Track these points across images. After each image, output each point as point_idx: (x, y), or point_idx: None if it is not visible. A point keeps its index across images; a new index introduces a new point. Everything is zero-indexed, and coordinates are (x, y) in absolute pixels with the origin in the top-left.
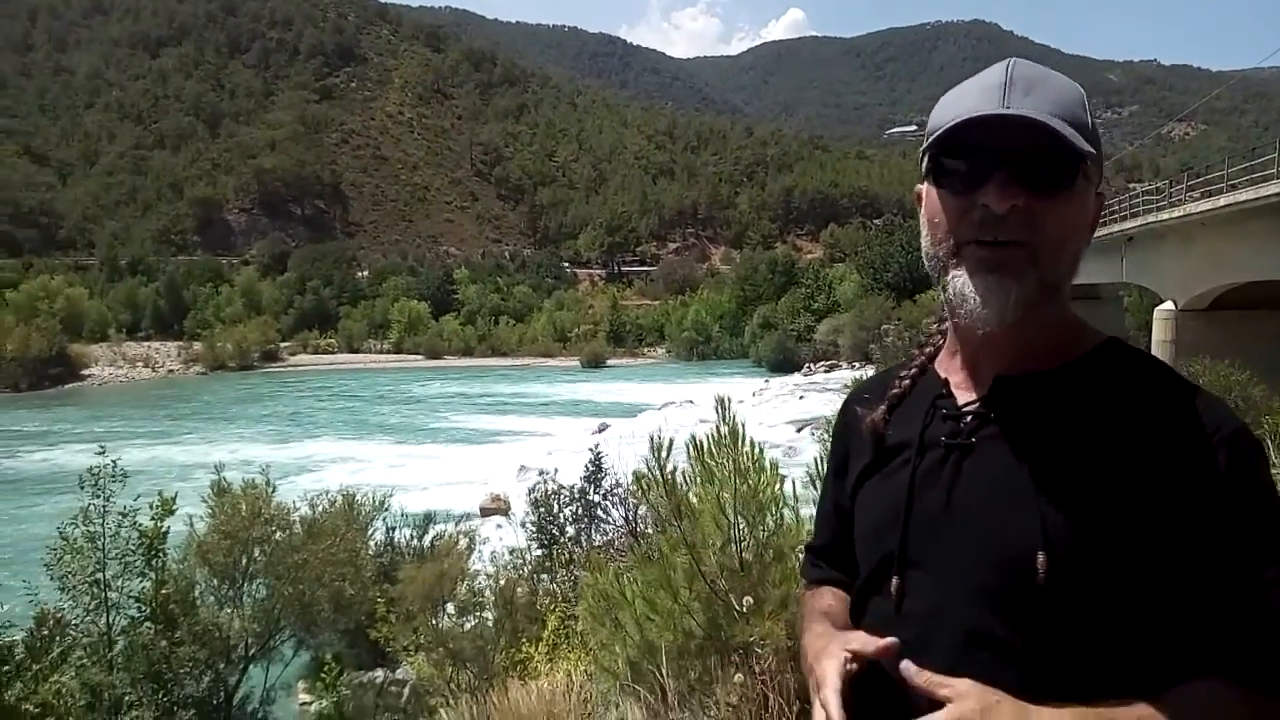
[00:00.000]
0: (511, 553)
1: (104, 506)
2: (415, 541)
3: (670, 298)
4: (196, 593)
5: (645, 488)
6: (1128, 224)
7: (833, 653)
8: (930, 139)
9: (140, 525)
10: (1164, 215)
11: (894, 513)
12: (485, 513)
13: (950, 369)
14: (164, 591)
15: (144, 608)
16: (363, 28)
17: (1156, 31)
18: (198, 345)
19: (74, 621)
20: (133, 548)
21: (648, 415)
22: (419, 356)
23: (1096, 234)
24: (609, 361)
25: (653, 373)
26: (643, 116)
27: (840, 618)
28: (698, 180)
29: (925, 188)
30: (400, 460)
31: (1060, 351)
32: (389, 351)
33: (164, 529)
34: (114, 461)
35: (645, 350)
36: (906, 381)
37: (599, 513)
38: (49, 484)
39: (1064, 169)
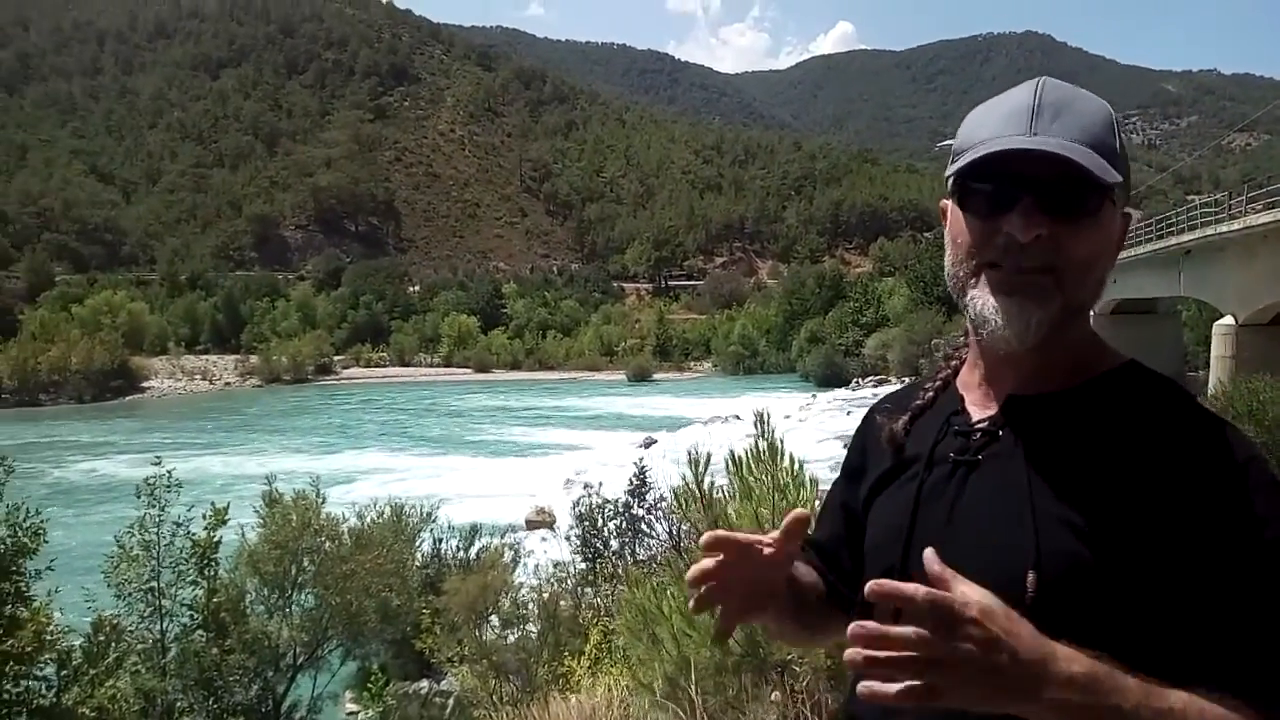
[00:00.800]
0: (556, 566)
1: (159, 516)
2: (461, 553)
3: (717, 312)
4: (247, 601)
5: (683, 502)
6: (1186, 237)
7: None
8: (957, 163)
9: (193, 535)
10: (1224, 227)
11: (899, 526)
12: (530, 525)
13: (968, 385)
14: (215, 600)
15: (196, 615)
16: (416, 48)
17: (1217, 39)
18: (254, 359)
19: (129, 628)
20: (186, 556)
21: (693, 430)
22: (468, 370)
23: (1153, 247)
24: (655, 375)
25: (699, 387)
26: (690, 132)
27: (808, 578)
28: (745, 194)
29: (950, 205)
30: (447, 472)
31: (1078, 371)
32: (439, 365)
33: (216, 538)
34: (169, 472)
35: (691, 364)
36: (929, 394)
37: (643, 527)
38: (107, 493)
39: (1090, 198)
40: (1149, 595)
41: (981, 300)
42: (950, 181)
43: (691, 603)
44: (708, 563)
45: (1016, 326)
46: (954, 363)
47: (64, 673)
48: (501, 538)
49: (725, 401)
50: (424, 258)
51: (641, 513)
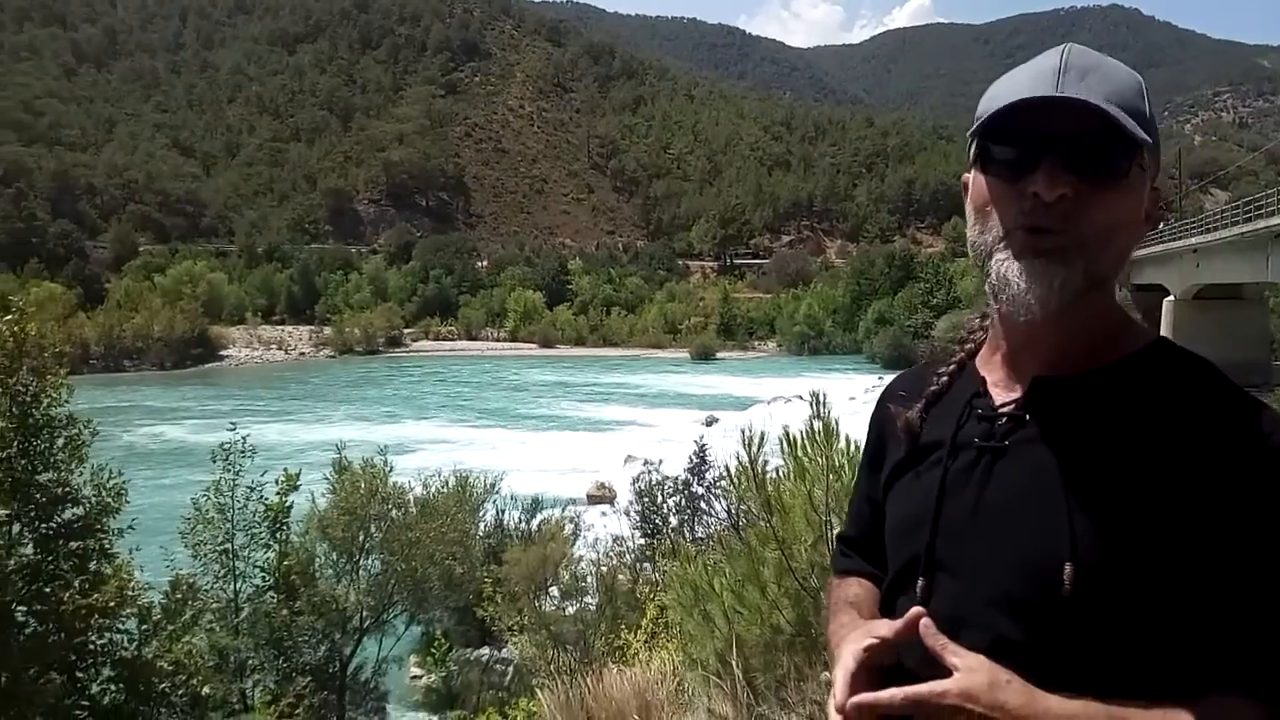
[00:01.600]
0: (615, 540)
1: (233, 480)
2: (523, 525)
3: (783, 291)
4: (316, 565)
5: (737, 481)
6: (1276, 220)
7: (853, 639)
8: (978, 124)
9: (266, 499)
10: None
11: (923, 513)
12: (591, 500)
13: (990, 367)
14: (286, 563)
15: (268, 577)
16: (487, 23)
17: None
18: (327, 330)
19: (204, 587)
20: (259, 520)
21: (756, 409)
22: (533, 345)
23: (1240, 230)
24: (719, 354)
25: (763, 366)
26: (759, 107)
27: (868, 608)
28: (814, 172)
29: (972, 175)
30: (510, 445)
31: (1104, 351)
32: (504, 339)
33: (288, 503)
34: (244, 438)
35: (755, 344)
36: (945, 379)
37: (702, 505)
38: (185, 457)
39: (1118, 157)
40: (1183, 587)
41: (1005, 264)
42: (971, 147)
43: None
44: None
45: (1039, 290)
46: (968, 345)
47: (144, 627)
48: (562, 511)
49: (789, 381)
50: (492, 233)
51: (701, 491)
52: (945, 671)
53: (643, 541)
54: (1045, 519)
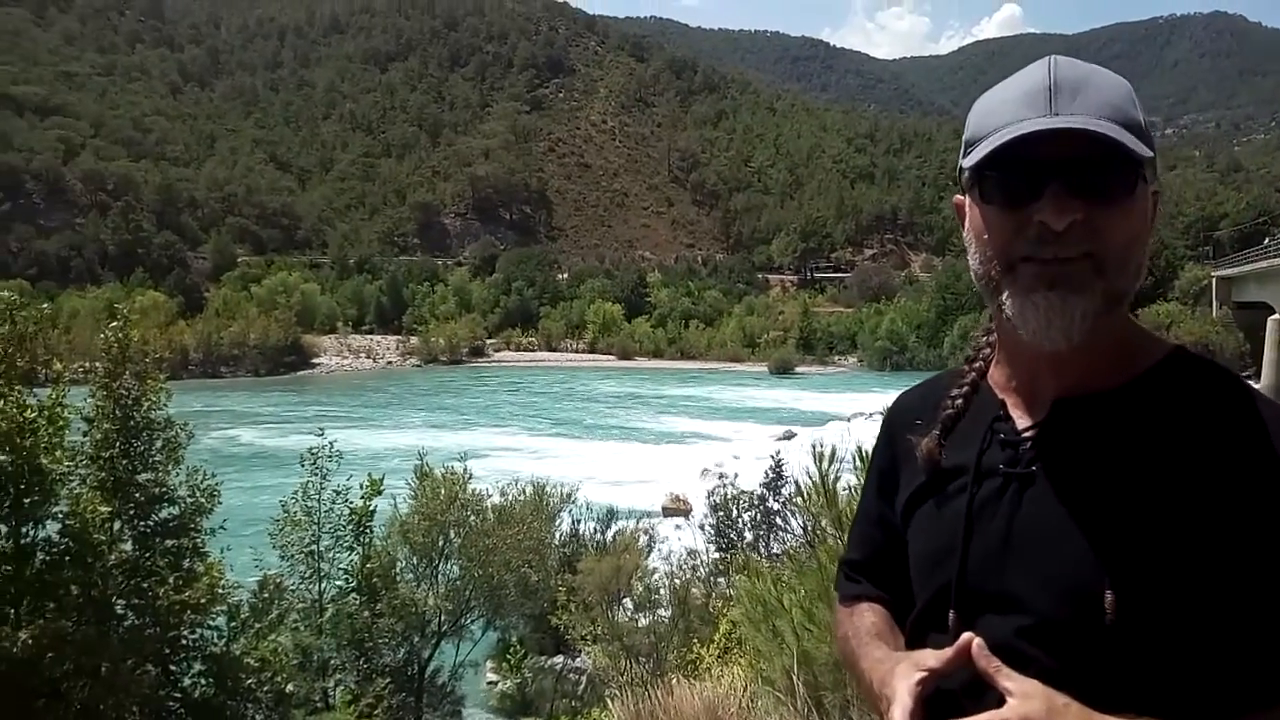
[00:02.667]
0: (689, 554)
1: (320, 484)
2: (598, 535)
3: (865, 305)
4: (397, 569)
5: (809, 497)
6: None
7: (902, 673)
8: (974, 154)
9: (350, 503)
10: None
11: (951, 542)
12: (667, 512)
13: (1007, 388)
14: (369, 565)
15: (351, 579)
16: (572, 40)
17: None
18: (414, 339)
19: (291, 587)
20: (344, 524)
21: (834, 425)
22: (611, 356)
23: None
24: (798, 369)
25: (843, 382)
26: (843, 120)
27: (891, 637)
28: (899, 184)
29: (968, 202)
30: (587, 455)
31: (1123, 366)
32: (584, 351)
33: (372, 507)
34: (331, 443)
35: (836, 359)
36: (960, 400)
37: (778, 520)
38: (275, 461)
39: (1124, 177)
40: (1222, 605)
41: (1020, 299)
42: (965, 175)
43: None
44: None
45: (1061, 323)
46: (978, 364)
47: (233, 624)
48: (637, 523)
49: (870, 397)
50: (573, 246)
51: (776, 506)
52: (994, 696)
53: (717, 556)
54: (1081, 547)
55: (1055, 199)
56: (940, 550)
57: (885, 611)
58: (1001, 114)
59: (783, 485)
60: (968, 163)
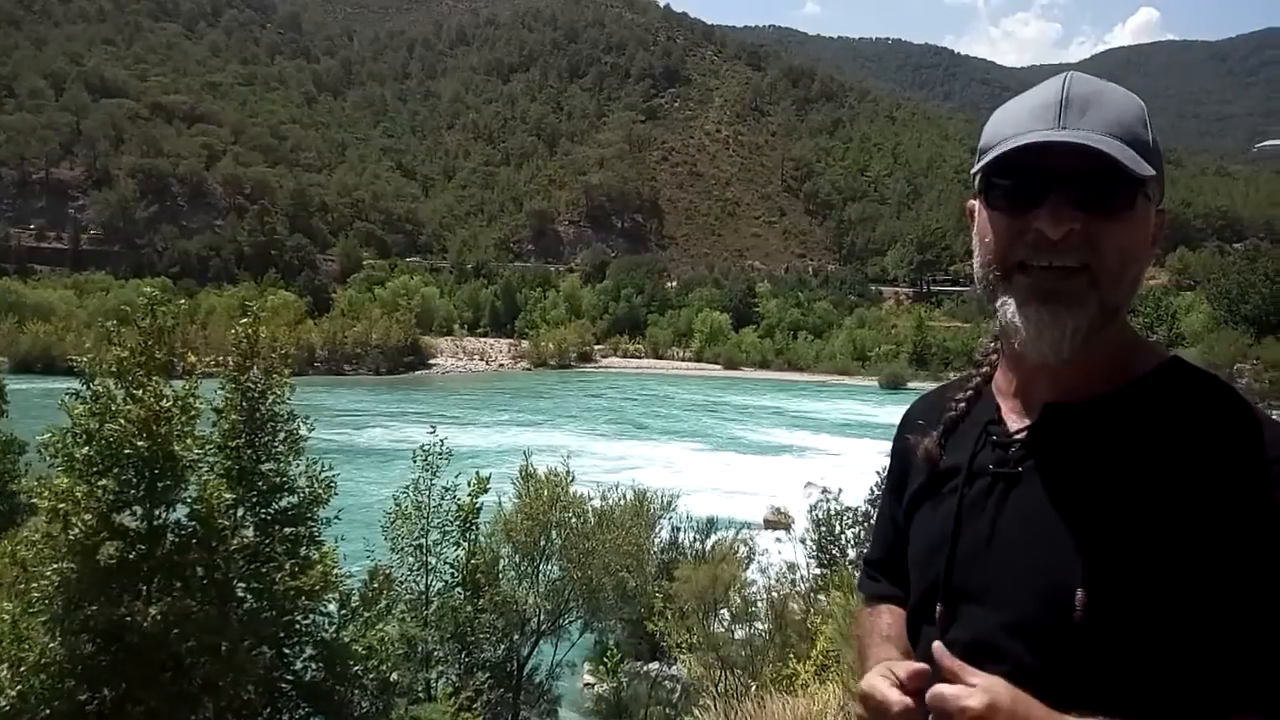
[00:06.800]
0: (789, 567)
1: (430, 480)
2: (697, 544)
3: (984, 320)
4: (500, 566)
5: None
6: None
7: (881, 671)
8: (981, 161)
9: (458, 500)
10: None
11: (941, 540)
12: (768, 525)
13: (1003, 392)
14: (474, 561)
15: (456, 574)
16: (689, 50)
17: None
18: (525, 343)
19: (399, 579)
20: (451, 519)
21: None
22: (717, 366)
23: None
24: (910, 384)
25: None
26: (965, 128)
27: (901, 642)
28: None
29: (977, 205)
30: (689, 463)
31: (1117, 374)
32: (690, 359)
33: (478, 505)
34: (442, 440)
35: (951, 374)
36: (961, 404)
37: None
38: (389, 456)
39: (1121, 193)
40: (1195, 610)
41: (1011, 308)
42: (976, 180)
43: None
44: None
45: (1050, 337)
46: (984, 369)
47: (343, 612)
48: (737, 533)
49: None
50: (683, 254)
51: None
52: None
53: (818, 571)
54: (1057, 545)
55: (1054, 208)
56: (932, 547)
57: (902, 613)
58: (1013, 124)
59: None
60: (976, 168)
